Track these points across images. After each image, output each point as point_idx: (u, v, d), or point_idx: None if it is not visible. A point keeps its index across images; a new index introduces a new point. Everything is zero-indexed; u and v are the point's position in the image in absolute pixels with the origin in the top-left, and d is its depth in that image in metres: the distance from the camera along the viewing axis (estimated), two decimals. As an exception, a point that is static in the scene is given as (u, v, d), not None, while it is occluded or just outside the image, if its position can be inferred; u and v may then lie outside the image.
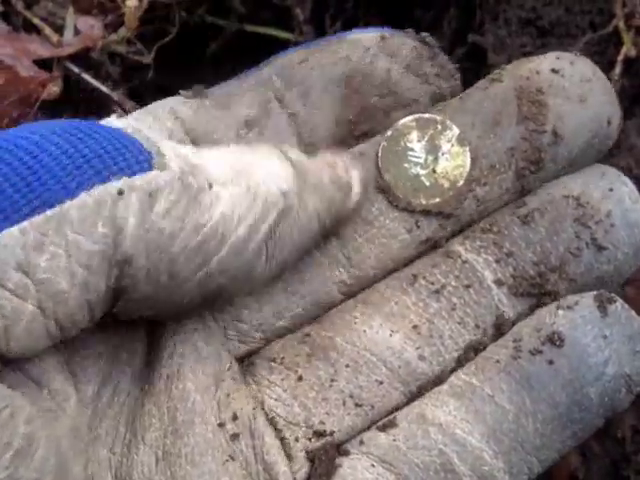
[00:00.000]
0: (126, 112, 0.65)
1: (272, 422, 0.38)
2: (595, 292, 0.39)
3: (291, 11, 0.75)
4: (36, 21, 0.64)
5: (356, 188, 0.41)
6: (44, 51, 0.62)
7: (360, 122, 0.45)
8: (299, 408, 0.38)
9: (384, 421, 0.38)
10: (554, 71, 0.43)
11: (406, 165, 0.43)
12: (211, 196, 0.35)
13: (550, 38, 0.64)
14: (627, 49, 0.55)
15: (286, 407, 0.38)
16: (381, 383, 0.39)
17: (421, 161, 0.43)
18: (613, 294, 0.40)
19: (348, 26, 0.79)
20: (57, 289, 0.31)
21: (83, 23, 0.64)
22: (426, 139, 0.44)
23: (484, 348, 0.39)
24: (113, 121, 0.39)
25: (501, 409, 0.36)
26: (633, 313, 0.40)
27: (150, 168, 0.34)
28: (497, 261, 0.41)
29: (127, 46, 0.66)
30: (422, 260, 0.42)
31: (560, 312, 0.38)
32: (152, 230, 0.33)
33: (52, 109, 0.62)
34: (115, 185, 0.33)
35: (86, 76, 0.61)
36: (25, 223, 0.30)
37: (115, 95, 0.62)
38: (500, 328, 0.40)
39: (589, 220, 0.41)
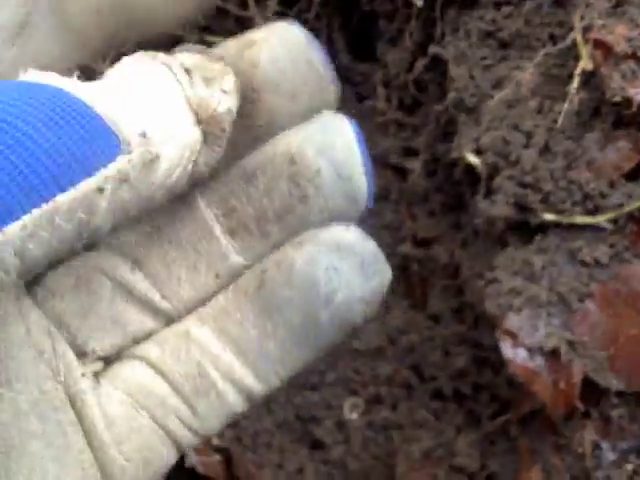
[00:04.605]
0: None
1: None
2: (331, 226, 0.42)
3: (252, 21, 0.75)
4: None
5: None
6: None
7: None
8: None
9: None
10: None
11: None
12: (159, 162, 0.38)
13: (510, 50, 0.64)
14: (584, 63, 0.54)
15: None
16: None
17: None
18: (350, 226, 0.42)
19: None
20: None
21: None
22: None
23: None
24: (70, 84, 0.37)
25: (248, 332, 0.43)
26: (369, 242, 0.42)
27: (119, 153, 0.37)
28: (224, 215, 0.44)
29: (83, 55, 0.65)
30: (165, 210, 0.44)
31: (297, 248, 0.42)
32: (118, 204, 0.38)
33: None
34: (95, 180, 0.36)
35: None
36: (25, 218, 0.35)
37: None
38: (232, 273, 0.44)
39: (301, 178, 0.42)
